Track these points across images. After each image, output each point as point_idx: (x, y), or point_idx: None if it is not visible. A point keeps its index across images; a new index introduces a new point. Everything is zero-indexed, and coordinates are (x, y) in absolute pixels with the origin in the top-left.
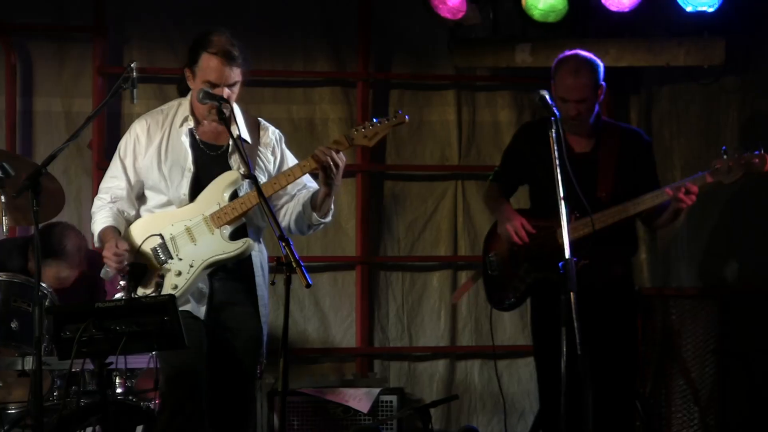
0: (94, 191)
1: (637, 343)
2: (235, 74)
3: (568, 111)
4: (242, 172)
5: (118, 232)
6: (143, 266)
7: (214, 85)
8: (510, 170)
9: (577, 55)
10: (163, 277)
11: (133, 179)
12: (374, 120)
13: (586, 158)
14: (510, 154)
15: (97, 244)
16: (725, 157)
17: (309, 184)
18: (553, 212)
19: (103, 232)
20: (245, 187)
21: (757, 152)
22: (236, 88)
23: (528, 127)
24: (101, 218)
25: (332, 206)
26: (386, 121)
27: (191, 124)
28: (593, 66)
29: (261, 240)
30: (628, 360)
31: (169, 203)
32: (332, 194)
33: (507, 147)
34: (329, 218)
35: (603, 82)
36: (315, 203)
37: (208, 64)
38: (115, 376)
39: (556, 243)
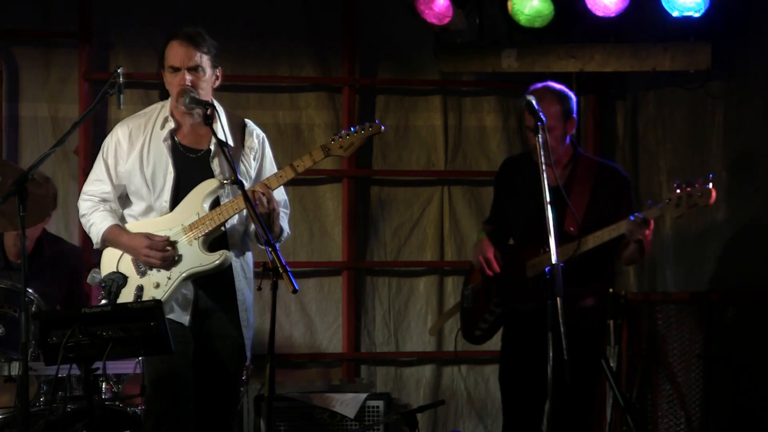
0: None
1: (598, 372)
2: (198, 58)
3: (530, 139)
4: (222, 179)
5: (126, 230)
6: (123, 277)
7: (176, 69)
8: (497, 207)
9: (546, 85)
10: (141, 289)
11: (115, 182)
12: (351, 129)
13: (558, 191)
14: (495, 189)
15: (99, 246)
16: (678, 191)
17: (277, 197)
18: (525, 243)
19: (111, 232)
20: (228, 194)
21: (708, 186)
22: (202, 75)
23: (508, 161)
24: (100, 218)
25: (282, 227)
26: (362, 131)
27: (172, 125)
28: (561, 96)
29: (248, 244)
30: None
31: (150, 210)
32: (267, 224)
33: (494, 184)
34: (284, 238)
35: (575, 116)
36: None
37: (170, 50)
38: (102, 381)
39: (525, 276)
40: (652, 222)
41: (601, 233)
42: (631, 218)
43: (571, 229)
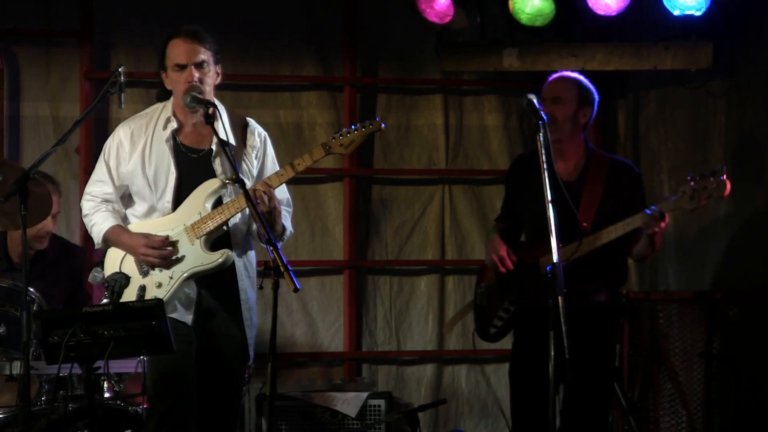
0: (82, 196)
1: (612, 371)
2: (203, 53)
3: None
4: (224, 178)
5: (127, 230)
6: (126, 277)
7: (182, 67)
8: (508, 205)
9: (563, 72)
10: (144, 288)
11: (117, 183)
12: (352, 127)
13: (571, 186)
14: (506, 187)
15: (101, 246)
16: (692, 183)
17: (280, 195)
18: (537, 240)
19: (112, 232)
20: (230, 193)
21: (722, 177)
22: (207, 71)
23: (519, 159)
24: (101, 219)
25: (284, 225)
26: (362, 129)
27: (174, 125)
28: (579, 81)
29: (251, 243)
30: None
31: (152, 210)
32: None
33: (505, 182)
34: (286, 236)
35: (593, 111)
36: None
37: (173, 48)
38: (103, 380)
39: (539, 272)
40: (667, 216)
41: (616, 227)
42: (647, 212)
43: (585, 224)
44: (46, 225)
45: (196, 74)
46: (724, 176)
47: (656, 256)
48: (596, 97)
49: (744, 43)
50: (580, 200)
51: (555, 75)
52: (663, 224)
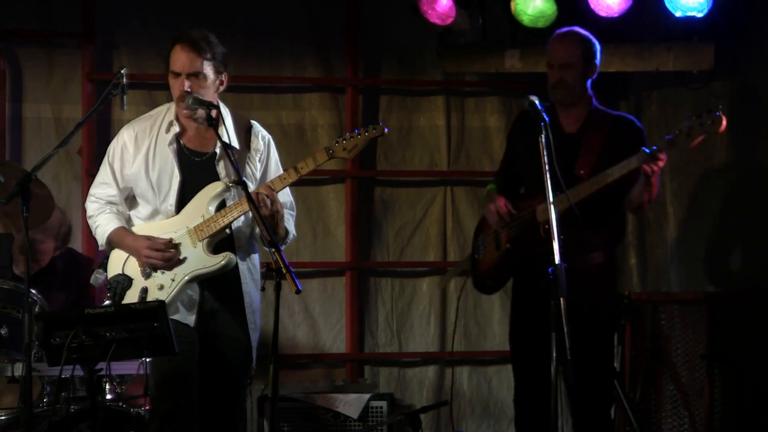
0: (84, 197)
1: (611, 343)
2: (199, 64)
3: (551, 78)
4: (228, 182)
5: (130, 232)
6: (128, 279)
7: (176, 74)
8: (508, 159)
9: (571, 28)
10: (146, 290)
11: (121, 185)
12: (355, 131)
13: (572, 138)
14: (507, 141)
15: (104, 247)
16: (687, 122)
17: (283, 199)
18: (536, 192)
19: (117, 234)
20: (234, 196)
21: (717, 113)
22: (203, 81)
23: (522, 116)
24: (106, 220)
25: (287, 229)
26: (365, 133)
27: (177, 128)
28: (584, 38)
29: (255, 246)
30: (600, 362)
31: (156, 213)
32: (271, 226)
33: (507, 137)
34: (289, 240)
35: (597, 61)
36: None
37: (173, 54)
38: (105, 382)
39: (535, 221)
40: (664, 156)
41: (613, 169)
42: (645, 150)
43: (581, 172)
44: (47, 247)
45: (187, 83)
46: (720, 112)
47: (657, 258)
48: (598, 46)
49: (746, 44)
50: (579, 151)
51: (557, 34)
52: (661, 163)
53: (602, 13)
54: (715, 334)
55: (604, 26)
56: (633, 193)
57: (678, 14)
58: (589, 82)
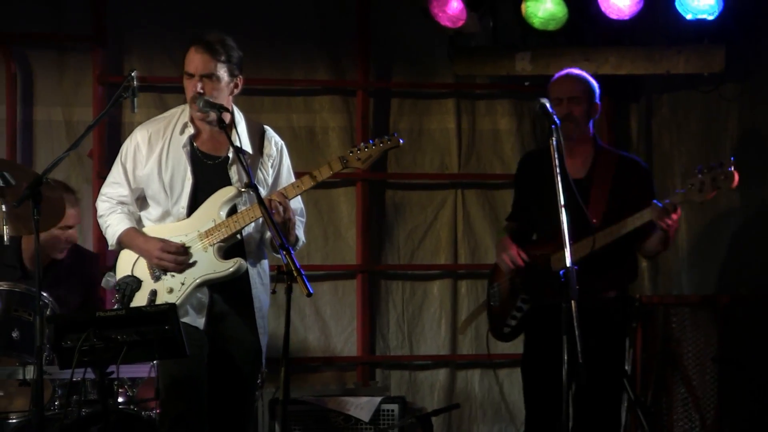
0: (95, 200)
1: (623, 363)
2: (213, 67)
3: (560, 112)
4: (240, 186)
5: (142, 233)
6: (138, 281)
7: (190, 75)
8: (519, 204)
9: (570, 69)
10: (155, 293)
11: (133, 185)
12: (369, 141)
13: (580, 184)
14: (516, 186)
15: (114, 247)
16: (700, 175)
17: (294, 205)
18: (548, 238)
19: (127, 234)
20: (245, 201)
21: (729, 169)
22: (216, 83)
23: (528, 156)
24: (116, 220)
25: (297, 236)
26: (380, 144)
27: (191, 130)
28: (586, 78)
29: (264, 252)
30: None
31: (167, 215)
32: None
33: (514, 181)
34: (298, 246)
35: (598, 101)
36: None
37: (188, 55)
38: (116, 385)
39: (550, 270)
40: (679, 209)
41: (626, 222)
42: (659, 204)
43: (595, 220)
44: (71, 236)
45: (200, 85)
46: (732, 167)
47: (668, 261)
48: (594, 82)
49: (757, 46)
50: (589, 197)
51: (562, 73)
52: (675, 216)
53: (613, 16)
54: (726, 337)
55: (614, 29)
56: (649, 244)
57: (689, 17)
58: (591, 122)
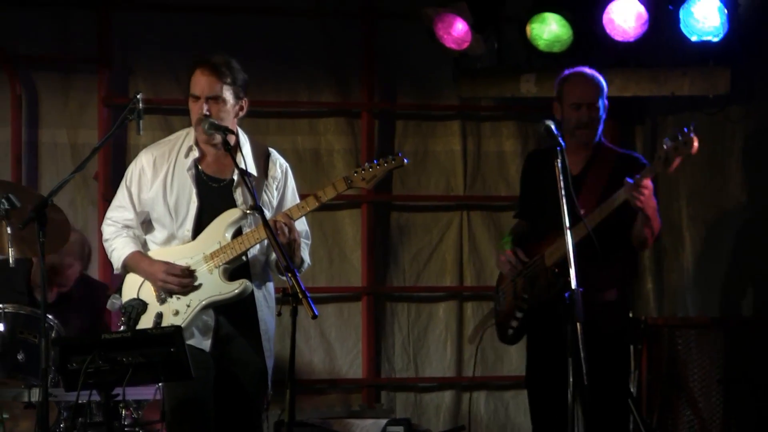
0: (100, 222)
1: (627, 374)
2: (218, 88)
3: (581, 118)
4: (245, 208)
5: (147, 256)
6: (143, 304)
7: (196, 97)
8: (523, 201)
9: (582, 68)
10: (161, 316)
11: (138, 209)
12: (374, 161)
13: (576, 179)
14: (521, 185)
15: (119, 271)
16: (665, 147)
17: (299, 227)
18: (544, 233)
19: (132, 258)
20: (250, 223)
21: (690, 135)
22: (222, 105)
23: (532, 155)
24: (122, 244)
25: (302, 257)
26: (385, 164)
27: (196, 153)
28: (599, 79)
29: (270, 274)
30: (616, 392)
31: (172, 238)
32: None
33: (520, 179)
34: (304, 268)
35: (606, 100)
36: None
37: (193, 77)
38: (122, 407)
39: (545, 266)
40: (647, 181)
41: (602, 206)
42: (629, 180)
43: (583, 211)
44: (74, 270)
45: (205, 107)
46: (692, 133)
47: (674, 283)
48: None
49: (762, 68)
50: (581, 190)
51: (578, 74)
52: (646, 191)
53: (618, 38)
54: (731, 359)
55: (619, 51)
56: (635, 229)
57: (693, 39)
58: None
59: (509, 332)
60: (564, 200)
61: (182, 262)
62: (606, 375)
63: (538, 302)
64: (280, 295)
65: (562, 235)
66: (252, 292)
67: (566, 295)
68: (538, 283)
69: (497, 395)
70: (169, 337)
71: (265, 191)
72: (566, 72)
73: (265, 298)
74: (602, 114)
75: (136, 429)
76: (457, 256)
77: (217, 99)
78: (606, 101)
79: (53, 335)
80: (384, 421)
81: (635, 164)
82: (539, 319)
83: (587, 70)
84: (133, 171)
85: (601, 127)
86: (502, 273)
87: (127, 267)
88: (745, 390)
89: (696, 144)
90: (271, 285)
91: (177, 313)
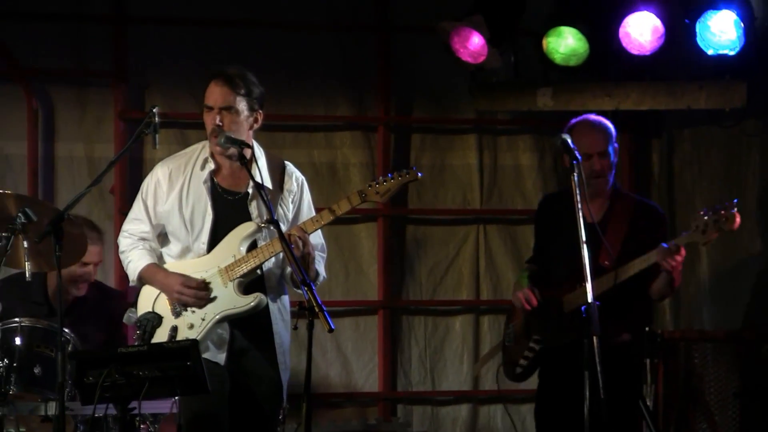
0: (117, 236)
1: (635, 412)
2: (232, 99)
3: (592, 166)
4: (260, 222)
5: (163, 268)
6: (158, 317)
7: (210, 108)
8: (538, 245)
9: (588, 116)
10: (176, 329)
11: (154, 221)
12: (388, 175)
13: (594, 227)
14: (535, 229)
15: (135, 283)
16: (705, 217)
17: (314, 240)
18: (562, 279)
19: (148, 270)
20: (265, 237)
21: (732, 210)
22: (235, 116)
23: (546, 199)
24: (138, 256)
25: (317, 271)
26: (399, 177)
27: (212, 166)
28: (607, 126)
29: (285, 287)
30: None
31: (187, 250)
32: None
33: (534, 223)
34: (319, 281)
35: (616, 144)
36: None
37: (208, 89)
38: (138, 421)
39: (562, 311)
40: (683, 250)
41: (633, 263)
42: (664, 245)
43: (606, 263)
44: (87, 272)
45: (218, 117)
46: (735, 209)
47: (690, 296)
48: (612, 125)
49: None
50: (603, 241)
51: (585, 124)
52: (679, 258)
53: (634, 51)
54: (748, 373)
55: (636, 64)
56: (656, 285)
57: (710, 52)
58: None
59: (517, 370)
60: (580, 214)
61: (197, 276)
62: (618, 399)
63: (551, 345)
64: (296, 308)
65: (583, 284)
66: (267, 306)
67: (582, 308)
68: (551, 326)
69: (514, 409)
70: (185, 350)
71: (280, 204)
72: (572, 121)
73: (280, 311)
74: (613, 159)
75: None
76: (474, 269)
77: (230, 110)
78: (616, 144)
79: (70, 349)
80: None
81: (653, 214)
82: (552, 360)
83: (593, 118)
84: (149, 184)
85: (613, 172)
86: (514, 307)
87: (143, 279)
88: (762, 404)
89: (738, 221)
90: (286, 298)
91: (192, 326)
